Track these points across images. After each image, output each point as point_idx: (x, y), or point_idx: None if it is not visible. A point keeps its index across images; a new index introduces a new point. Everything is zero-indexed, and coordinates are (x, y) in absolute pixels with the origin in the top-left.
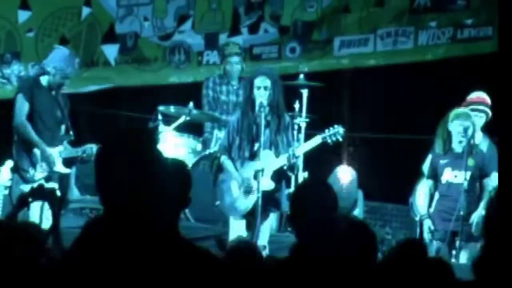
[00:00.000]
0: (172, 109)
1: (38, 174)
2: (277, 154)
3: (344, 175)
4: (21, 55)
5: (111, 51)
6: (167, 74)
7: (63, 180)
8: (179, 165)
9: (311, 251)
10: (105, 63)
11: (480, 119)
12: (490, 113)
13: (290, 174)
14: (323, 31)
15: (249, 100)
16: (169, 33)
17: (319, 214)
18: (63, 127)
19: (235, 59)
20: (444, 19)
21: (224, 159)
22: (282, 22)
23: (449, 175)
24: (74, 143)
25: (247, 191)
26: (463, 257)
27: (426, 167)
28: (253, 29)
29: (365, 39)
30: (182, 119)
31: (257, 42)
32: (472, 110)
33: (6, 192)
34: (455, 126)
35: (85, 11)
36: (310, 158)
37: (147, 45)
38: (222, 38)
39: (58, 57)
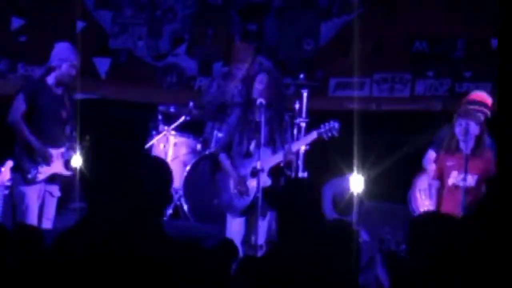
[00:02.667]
0: (172, 109)
1: (40, 175)
2: (274, 152)
3: (356, 185)
4: (11, 54)
5: (102, 64)
6: (156, 94)
7: (65, 181)
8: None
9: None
10: (95, 75)
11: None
12: (489, 113)
13: (287, 172)
14: (319, 69)
15: (249, 99)
16: (163, 54)
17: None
18: (67, 128)
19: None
20: (443, 68)
21: (222, 157)
22: (278, 56)
23: (455, 178)
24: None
25: (244, 189)
26: None
27: (426, 161)
28: None
29: (361, 82)
30: (182, 119)
31: None
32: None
33: (6, 192)
34: (457, 126)
35: (80, 25)
36: (310, 159)
37: (140, 63)
38: (217, 66)
39: (61, 49)
